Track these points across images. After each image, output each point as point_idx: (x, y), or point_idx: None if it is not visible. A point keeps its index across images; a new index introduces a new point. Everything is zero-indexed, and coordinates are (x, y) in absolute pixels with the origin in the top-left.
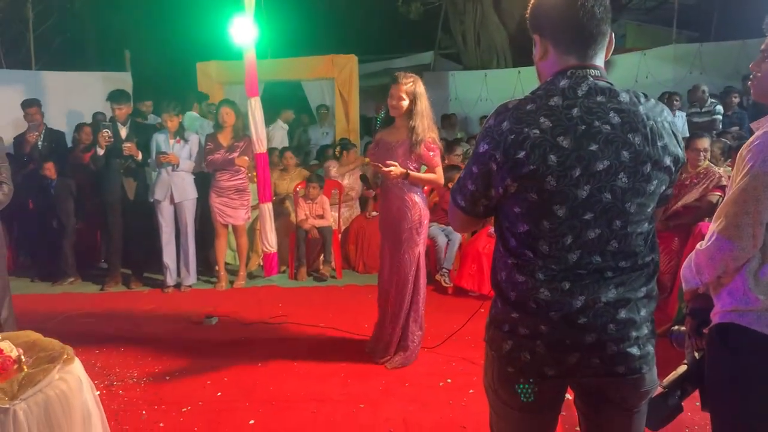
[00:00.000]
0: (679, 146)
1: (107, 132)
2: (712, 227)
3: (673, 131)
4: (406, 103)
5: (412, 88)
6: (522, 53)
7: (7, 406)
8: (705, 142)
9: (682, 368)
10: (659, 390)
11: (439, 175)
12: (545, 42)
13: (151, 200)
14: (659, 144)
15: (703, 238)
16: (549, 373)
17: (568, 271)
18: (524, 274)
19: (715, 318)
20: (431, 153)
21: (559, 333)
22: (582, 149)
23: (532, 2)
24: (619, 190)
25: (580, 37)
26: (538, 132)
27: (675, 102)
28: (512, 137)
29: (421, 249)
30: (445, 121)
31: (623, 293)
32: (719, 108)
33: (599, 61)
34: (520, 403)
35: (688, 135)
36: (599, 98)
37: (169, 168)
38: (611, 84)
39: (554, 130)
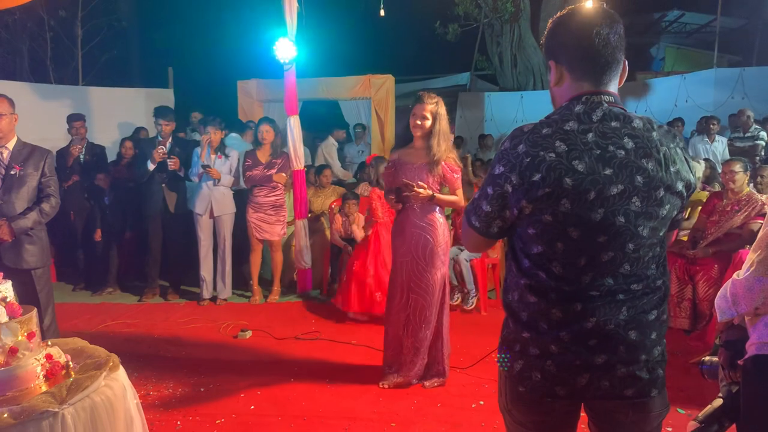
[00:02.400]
0: (691, 172)
1: (162, 148)
2: (750, 257)
3: (685, 157)
4: (429, 123)
5: (435, 108)
6: None
7: (57, 410)
8: (735, 165)
9: (718, 402)
10: (695, 425)
11: (460, 197)
12: (561, 68)
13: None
14: (672, 169)
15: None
16: (560, 393)
17: (581, 292)
18: (536, 294)
19: (752, 349)
20: (455, 175)
21: (570, 353)
22: (596, 173)
23: (548, 29)
24: (633, 214)
25: (595, 64)
26: (553, 155)
27: (712, 126)
28: (528, 160)
29: (446, 270)
30: (481, 141)
31: (634, 316)
32: (763, 134)
33: (613, 87)
34: (533, 423)
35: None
36: (614, 124)
37: (210, 182)
38: (625, 110)
39: (570, 154)
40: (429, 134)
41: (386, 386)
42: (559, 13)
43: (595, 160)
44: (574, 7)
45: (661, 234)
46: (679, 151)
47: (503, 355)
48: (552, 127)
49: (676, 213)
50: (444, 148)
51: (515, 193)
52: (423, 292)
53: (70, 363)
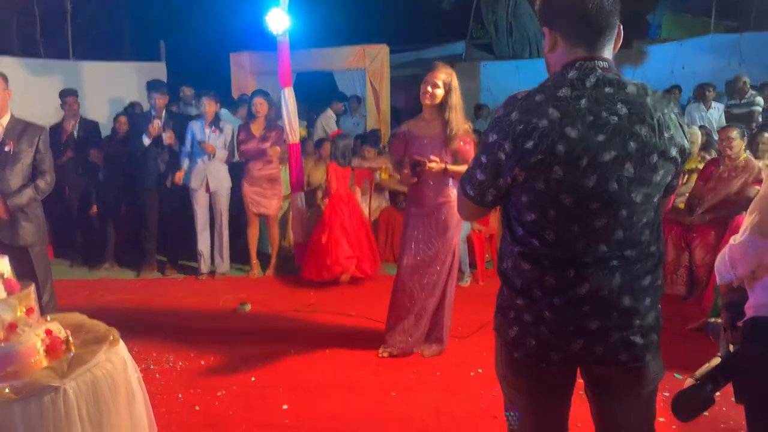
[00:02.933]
0: (686, 137)
1: (158, 122)
2: (746, 221)
3: (679, 123)
4: (440, 92)
5: (448, 79)
6: None
7: (58, 384)
8: (731, 132)
9: (716, 361)
10: (691, 382)
11: None
12: (554, 34)
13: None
14: (666, 135)
15: None
16: (554, 358)
17: (574, 259)
18: (530, 262)
19: (750, 311)
20: (467, 146)
21: (563, 319)
22: (589, 139)
23: None
24: (626, 180)
25: (589, 29)
26: (546, 122)
27: (708, 93)
28: (521, 127)
29: (456, 241)
30: (477, 111)
31: (628, 282)
32: (759, 99)
33: (608, 53)
34: (529, 388)
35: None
36: (607, 89)
37: (205, 157)
38: (619, 75)
39: (562, 121)
40: (440, 106)
41: (385, 355)
42: None
43: (587, 127)
44: None
45: (655, 200)
46: (673, 116)
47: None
48: (545, 94)
49: (670, 179)
50: (460, 121)
51: (508, 161)
52: (432, 260)
53: (70, 338)
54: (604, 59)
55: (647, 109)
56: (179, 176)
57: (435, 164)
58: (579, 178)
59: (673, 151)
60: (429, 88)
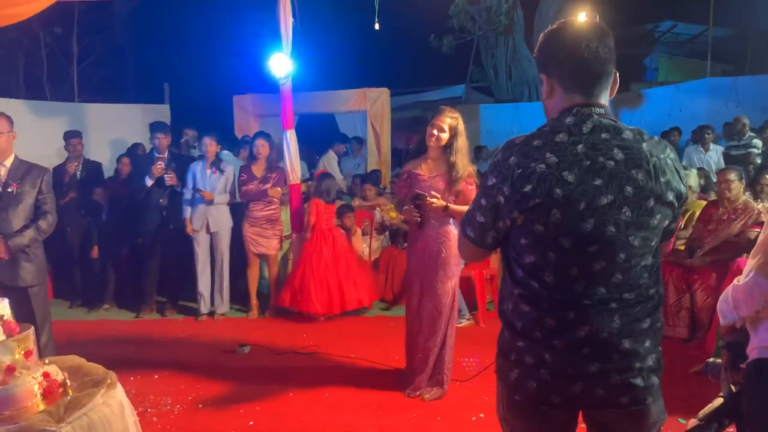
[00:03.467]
0: (682, 182)
1: (161, 164)
2: (750, 263)
3: (675, 168)
4: (446, 135)
5: (455, 123)
6: None
7: (54, 429)
8: (730, 174)
9: (719, 401)
10: (695, 422)
11: None
12: (552, 81)
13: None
14: (662, 180)
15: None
16: (555, 401)
17: (573, 301)
18: (530, 303)
19: (754, 353)
20: (470, 187)
21: (563, 362)
22: (586, 184)
23: (539, 42)
24: (623, 224)
25: (585, 76)
26: (544, 167)
27: (707, 135)
28: (519, 171)
29: (456, 281)
30: (477, 153)
31: (627, 324)
32: (757, 142)
33: (604, 99)
34: (531, 431)
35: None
36: (604, 135)
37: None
38: (615, 122)
39: (560, 165)
40: (445, 148)
41: (414, 395)
42: (550, 27)
43: (584, 171)
44: (564, 21)
45: (653, 244)
46: (669, 161)
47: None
48: (543, 139)
49: (668, 223)
50: (465, 163)
51: (507, 204)
52: (434, 300)
53: (68, 381)
54: (600, 105)
55: (643, 155)
56: (190, 228)
57: (436, 200)
58: (577, 222)
59: (670, 196)
60: (435, 132)
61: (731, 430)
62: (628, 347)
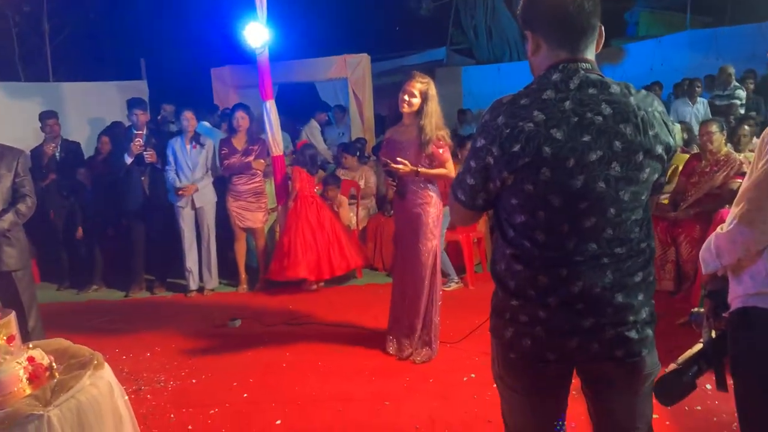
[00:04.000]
0: (671, 135)
1: (139, 140)
2: (733, 211)
3: (663, 120)
4: (417, 101)
5: (425, 88)
6: None
7: (42, 412)
8: (711, 126)
9: (698, 347)
10: (674, 367)
11: (449, 170)
12: (537, 37)
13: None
14: (650, 133)
15: None
16: (550, 357)
17: (566, 258)
18: (522, 263)
19: (737, 302)
20: (440, 150)
21: (558, 318)
22: (575, 140)
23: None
24: (613, 179)
25: (571, 32)
26: (532, 125)
27: (697, 88)
28: (507, 131)
29: (437, 242)
30: (461, 116)
31: (620, 278)
32: (740, 93)
33: (590, 54)
34: (526, 388)
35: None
36: (591, 90)
37: (189, 173)
38: (602, 77)
39: (548, 123)
40: (418, 113)
41: (391, 351)
42: None
43: (572, 128)
44: None
45: (643, 198)
46: (657, 114)
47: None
48: (530, 97)
49: (657, 176)
50: (435, 127)
51: (497, 165)
52: (415, 261)
53: (54, 364)
54: (586, 61)
55: (631, 108)
56: (190, 189)
57: (402, 166)
58: (566, 179)
59: (659, 149)
60: (406, 97)
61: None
62: (621, 301)
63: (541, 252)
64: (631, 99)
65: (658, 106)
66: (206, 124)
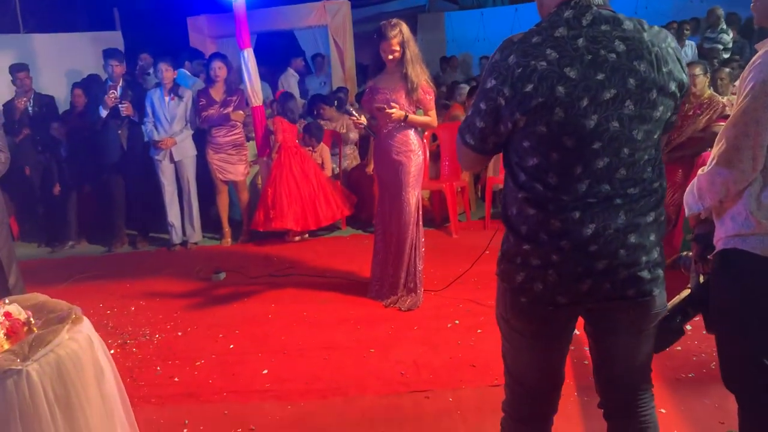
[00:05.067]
0: (684, 72)
1: (114, 92)
2: (713, 151)
3: (677, 57)
4: (398, 52)
5: (401, 37)
6: None
7: (20, 367)
8: (695, 69)
9: (685, 292)
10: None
11: (433, 118)
12: None
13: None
14: (664, 70)
15: None
16: (561, 301)
17: (578, 200)
18: (534, 206)
19: (719, 244)
20: (428, 96)
21: (571, 261)
22: (589, 79)
23: None
24: (626, 118)
25: None
26: (545, 64)
27: (685, 31)
28: (519, 71)
29: (419, 192)
30: (445, 63)
31: (632, 219)
32: (724, 37)
33: None
34: (531, 331)
35: None
36: (604, 27)
37: (167, 126)
38: (614, 13)
39: (561, 62)
40: (401, 60)
41: (375, 300)
42: None
43: (586, 66)
44: None
45: (655, 137)
46: (670, 50)
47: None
48: (542, 35)
49: (669, 114)
50: (419, 72)
51: (508, 106)
52: (399, 209)
53: (32, 319)
54: None
55: (645, 45)
56: (168, 142)
57: (395, 110)
58: (580, 119)
59: (672, 86)
60: (389, 57)
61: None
62: (634, 242)
63: (554, 194)
64: (645, 35)
65: (671, 42)
66: (185, 71)
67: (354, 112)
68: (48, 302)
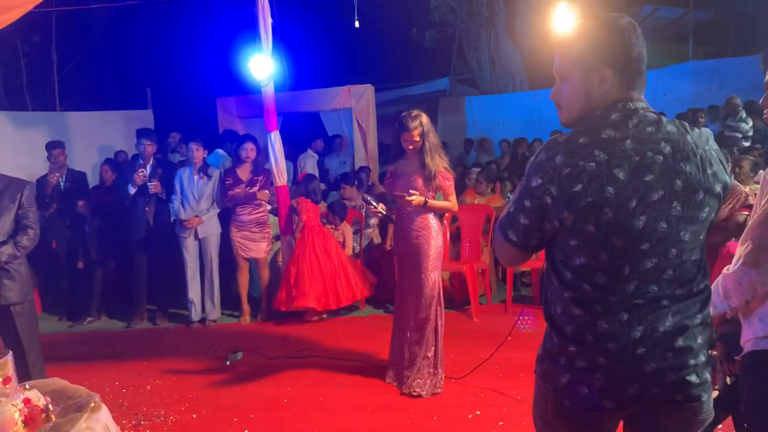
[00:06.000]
0: (726, 172)
1: (143, 171)
2: (738, 250)
3: (719, 158)
4: (420, 142)
5: (421, 128)
6: (537, 76)
7: None
8: None
9: (714, 394)
10: None
11: (453, 203)
12: (609, 73)
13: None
14: (709, 172)
15: (730, 260)
16: (608, 405)
17: (626, 301)
18: (581, 306)
19: (748, 345)
20: (447, 182)
21: (619, 364)
22: (637, 180)
23: (579, 34)
24: (674, 219)
25: (636, 71)
26: (594, 165)
27: (700, 119)
28: (567, 170)
29: (439, 273)
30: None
31: (680, 321)
32: (743, 125)
33: (643, 93)
34: None
35: None
36: (649, 129)
37: (194, 204)
38: (658, 115)
39: (610, 162)
40: (420, 149)
41: (393, 385)
42: (583, 19)
43: (635, 167)
44: (599, 15)
45: (701, 237)
46: (713, 152)
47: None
48: (588, 136)
49: (714, 215)
50: (437, 161)
51: (555, 205)
52: (419, 293)
53: (50, 406)
54: (642, 100)
55: (690, 147)
56: (194, 221)
57: (415, 197)
58: (629, 219)
59: (717, 188)
60: (410, 147)
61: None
62: (682, 345)
63: (602, 295)
64: (689, 137)
65: (713, 144)
66: (221, 151)
67: (372, 202)
68: (67, 388)
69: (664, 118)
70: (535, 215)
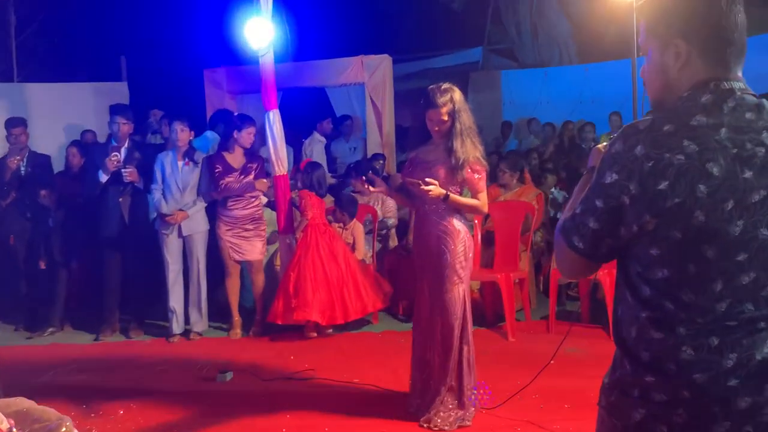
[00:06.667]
0: None
1: (116, 155)
2: None
3: None
4: (448, 122)
5: (451, 106)
6: (589, 47)
7: None
8: None
9: None
10: None
11: (483, 202)
12: (689, 48)
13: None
14: None
15: None
16: None
17: (716, 323)
18: (662, 329)
19: None
20: (477, 176)
21: (706, 399)
22: (734, 177)
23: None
24: None
25: (729, 45)
26: (682, 158)
27: None
28: (650, 165)
29: (466, 286)
30: (505, 129)
31: None
32: None
33: (741, 71)
34: None
35: None
36: (748, 115)
37: (177, 194)
38: (759, 98)
39: (702, 155)
40: (449, 131)
41: (413, 416)
42: None
43: (731, 162)
44: None
45: None
46: None
47: None
48: (674, 123)
49: None
50: (468, 147)
51: (635, 206)
52: (442, 310)
53: (14, 429)
54: (740, 79)
55: None
56: (181, 216)
57: (434, 187)
58: (724, 225)
59: None
60: (436, 128)
61: None
62: None
63: (687, 315)
64: None
65: None
66: (211, 134)
67: (374, 180)
68: (33, 409)
69: (766, 102)
70: (608, 218)
